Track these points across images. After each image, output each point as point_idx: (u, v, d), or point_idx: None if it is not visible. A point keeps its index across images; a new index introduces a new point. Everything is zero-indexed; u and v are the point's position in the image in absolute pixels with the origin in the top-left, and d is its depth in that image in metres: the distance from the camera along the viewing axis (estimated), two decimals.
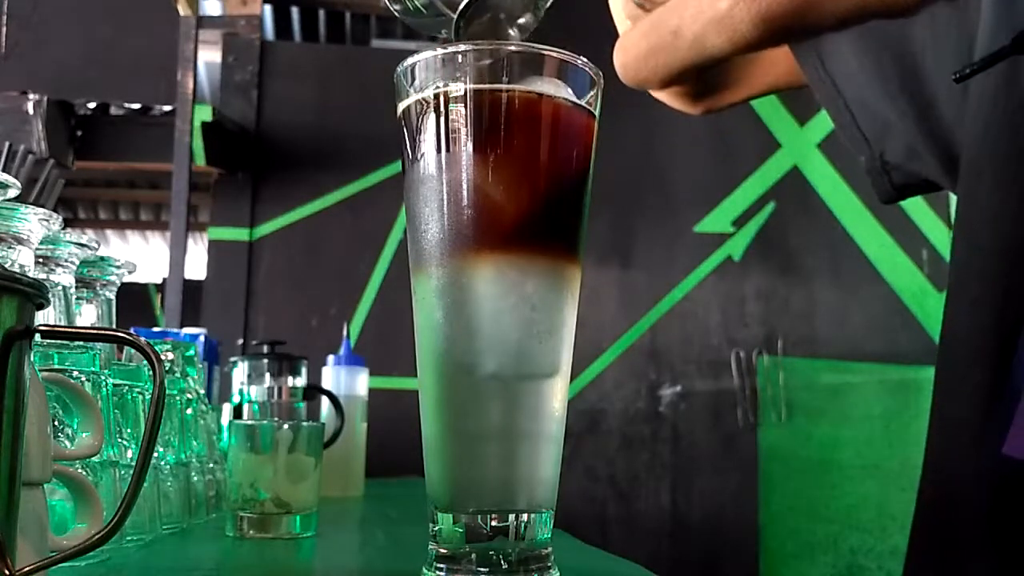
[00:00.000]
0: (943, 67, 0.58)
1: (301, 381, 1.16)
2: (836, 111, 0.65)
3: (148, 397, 0.62)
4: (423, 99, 0.43)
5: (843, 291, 2.21)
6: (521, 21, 0.47)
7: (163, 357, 0.72)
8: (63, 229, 0.52)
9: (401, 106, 0.45)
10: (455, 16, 0.46)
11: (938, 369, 0.54)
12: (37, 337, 0.33)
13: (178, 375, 0.75)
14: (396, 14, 0.48)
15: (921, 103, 0.60)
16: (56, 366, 0.51)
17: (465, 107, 0.42)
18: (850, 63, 0.63)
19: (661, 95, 0.73)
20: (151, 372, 0.35)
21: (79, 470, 0.48)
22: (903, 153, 0.63)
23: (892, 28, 0.61)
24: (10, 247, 0.47)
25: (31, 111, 1.84)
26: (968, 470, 0.50)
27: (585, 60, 0.44)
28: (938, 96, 0.59)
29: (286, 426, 0.69)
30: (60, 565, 0.35)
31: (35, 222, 0.48)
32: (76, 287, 0.59)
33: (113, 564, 0.52)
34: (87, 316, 0.63)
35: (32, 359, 0.34)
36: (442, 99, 0.42)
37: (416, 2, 0.47)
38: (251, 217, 2.07)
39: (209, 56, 2.22)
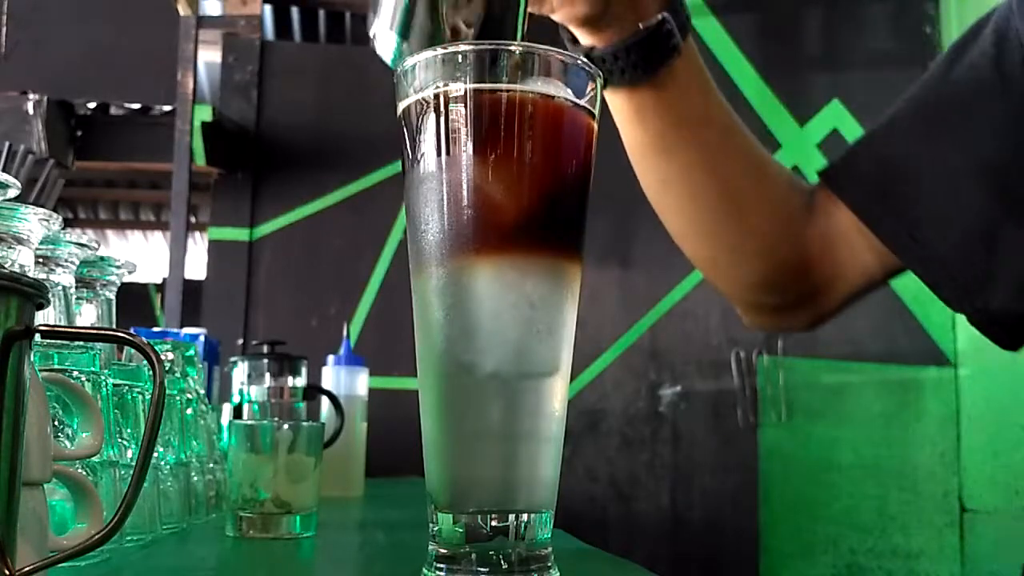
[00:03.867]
0: None
1: (301, 381, 1.16)
2: (931, 275, 0.65)
3: (148, 397, 0.62)
4: (423, 99, 0.43)
5: None
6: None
7: (163, 357, 0.72)
8: (63, 229, 0.52)
9: (401, 106, 0.45)
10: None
11: None
12: (37, 337, 0.33)
13: (178, 375, 0.75)
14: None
15: None
16: (56, 366, 0.51)
17: (465, 107, 0.42)
18: (946, 214, 0.63)
19: (761, 320, 0.75)
20: (151, 372, 0.35)
21: (79, 470, 0.48)
22: (1013, 294, 0.62)
23: (976, 163, 0.61)
24: (10, 247, 0.47)
25: (31, 111, 1.84)
26: None
27: (585, 60, 0.44)
28: None
29: (286, 426, 0.69)
30: (60, 565, 0.35)
31: (35, 222, 0.48)
32: (76, 287, 0.59)
33: (113, 564, 0.52)
34: (87, 316, 0.63)
35: (32, 359, 0.34)
36: (442, 99, 0.42)
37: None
38: (251, 217, 2.07)
39: (209, 56, 2.21)
